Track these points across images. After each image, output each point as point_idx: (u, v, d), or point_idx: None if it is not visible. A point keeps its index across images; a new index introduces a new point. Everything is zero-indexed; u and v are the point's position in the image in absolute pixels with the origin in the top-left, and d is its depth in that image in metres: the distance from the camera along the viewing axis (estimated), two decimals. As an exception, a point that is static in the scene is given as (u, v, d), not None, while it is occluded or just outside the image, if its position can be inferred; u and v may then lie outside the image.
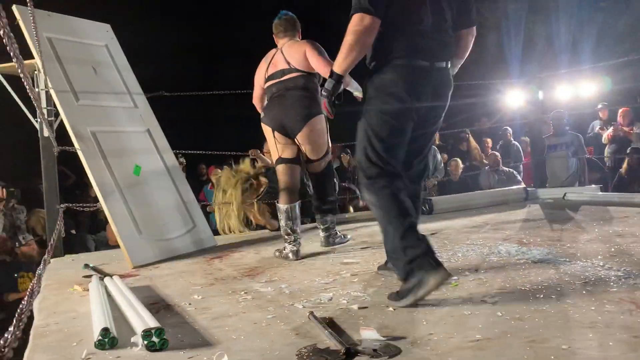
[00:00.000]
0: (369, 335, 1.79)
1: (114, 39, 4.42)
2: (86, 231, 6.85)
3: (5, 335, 0.95)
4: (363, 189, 2.45)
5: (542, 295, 2.15)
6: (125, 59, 4.42)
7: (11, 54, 1.99)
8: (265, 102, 3.71)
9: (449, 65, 2.47)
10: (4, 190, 5.06)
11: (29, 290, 1.69)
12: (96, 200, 5.13)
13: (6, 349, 0.88)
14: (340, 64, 2.33)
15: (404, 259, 2.19)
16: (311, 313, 2.07)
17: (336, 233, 3.80)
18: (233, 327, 2.05)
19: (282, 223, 3.51)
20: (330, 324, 1.96)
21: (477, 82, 9.23)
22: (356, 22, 2.25)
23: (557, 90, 7.71)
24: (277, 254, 3.50)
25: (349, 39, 2.27)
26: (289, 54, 3.56)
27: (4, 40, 1.85)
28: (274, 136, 3.60)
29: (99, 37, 4.34)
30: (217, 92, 5.57)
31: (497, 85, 8.92)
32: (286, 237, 3.46)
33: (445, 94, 2.49)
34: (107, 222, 5.42)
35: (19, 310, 1.26)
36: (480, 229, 3.97)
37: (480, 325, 1.86)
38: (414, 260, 2.15)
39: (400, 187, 2.34)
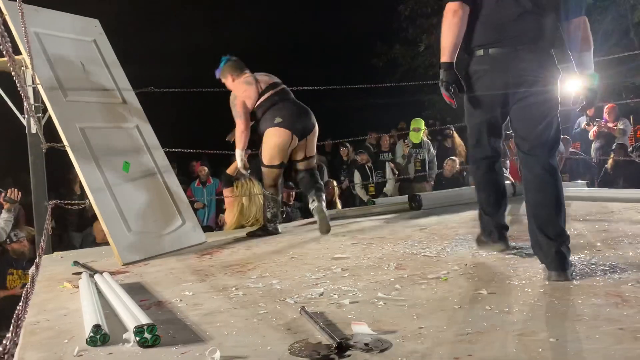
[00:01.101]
0: (360, 329, 1.81)
1: (102, 35, 4.38)
2: (73, 229, 6.80)
3: (4, 341, 0.95)
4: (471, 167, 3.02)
5: (530, 289, 2.19)
6: (113, 55, 4.38)
7: (4, 52, 1.97)
8: (264, 112, 4.07)
9: (544, 50, 2.51)
10: (16, 191, 5.05)
11: (23, 293, 1.69)
12: (81, 197, 5.14)
13: (6, 356, 0.88)
14: (444, 51, 2.57)
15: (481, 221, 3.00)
16: (303, 308, 2.08)
17: None
18: (225, 323, 2.06)
19: (275, 209, 4.19)
20: (322, 319, 1.97)
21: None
22: (446, 10, 2.55)
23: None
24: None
25: (442, 27, 2.56)
26: (267, 76, 4.21)
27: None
28: (291, 139, 4.00)
29: (87, 32, 4.30)
30: (206, 89, 5.54)
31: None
32: (275, 219, 4.22)
33: (535, 75, 2.49)
34: (93, 219, 5.42)
35: (15, 316, 1.26)
36: (469, 224, 4.00)
37: (470, 319, 1.89)
38: (484, 229, 2.99)
39: (491, 167, 2.82)
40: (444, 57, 2.58)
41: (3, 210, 5.01)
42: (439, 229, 3.93)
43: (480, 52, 2.57)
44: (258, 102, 4.06)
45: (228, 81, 4.21)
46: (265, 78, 4.18)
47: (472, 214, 4.51)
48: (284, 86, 4.22)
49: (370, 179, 7.65)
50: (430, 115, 11.71)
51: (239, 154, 4.15)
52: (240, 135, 4.09)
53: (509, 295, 2.14)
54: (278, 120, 3.99)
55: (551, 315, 1.87)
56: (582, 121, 8.26)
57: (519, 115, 2.56)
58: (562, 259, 2.30)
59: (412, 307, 2.09)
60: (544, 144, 2.47)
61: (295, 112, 4.06)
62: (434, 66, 12.82)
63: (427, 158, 7.83)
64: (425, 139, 7.98)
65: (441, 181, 7.59)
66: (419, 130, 7.84)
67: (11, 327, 1.08)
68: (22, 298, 1.58)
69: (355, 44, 13.54)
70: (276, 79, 4.21)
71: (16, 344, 0.97)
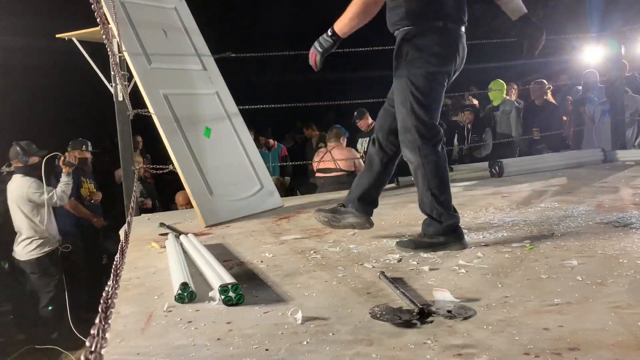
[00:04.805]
0: (442, 296, 1.77)
1: (182, 2, 4.47)
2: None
3: (106, 288, 1.01)
4: (410, 149, 2.49)
5: (625, 260, 2.05)
6: (193, 21, 4.46)
7: (98, 19, 2.04)
8: None
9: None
10: (74, 154, 5.32)
11: (119, 248, 1.79)
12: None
13: (109, 302, 0.93)
14: (342, 27, 2.45)
15: (439, 221, 2.46)
16: (382, 273, 2.07)
17: None
18: (305, 285, 2.09)
19: None
20: (401, 285, 1.95)
21: (550, 37, 8.74)
22: None
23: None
24: None
25: (356, 6, 2.39)
26: None
27: (92, 7, 1.89)
28: None
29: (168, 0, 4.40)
30: (281, 53, 5.52)
31: (572, 40, 8.39)
32: None
33: (465, 57, 2.63)
34: (174, 191, 5.69)
35: (114, 266, 1.33)
36: (554, 192, 3.81)
37: (559, 289, 1.80)
38: (448, 226, 2.45)
39: (443, 148, 2.53)
40: (342, 32, 2.46)
41: (62, 174, 5.16)
42: (522, 196, 3.77)
43: (440, 24, 2.48)
44: None
45: None
46: None
47: (557, 181, 4.30)
48: None
49: (466, 141, 7.31)
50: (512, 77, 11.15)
51: None
52: None
53: (602, 266, 2.01)
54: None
55: (650, 289, 1.75)
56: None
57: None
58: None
59: (496, 275, 2.02)
60: None
61: None
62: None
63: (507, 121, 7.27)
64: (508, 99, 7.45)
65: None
66: (492, 91, 7.37)
67: (111, 277, 1.14)
68: (118, 252, 1.67)
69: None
70: None
71: (116, 295, 1.02)
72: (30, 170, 5.14)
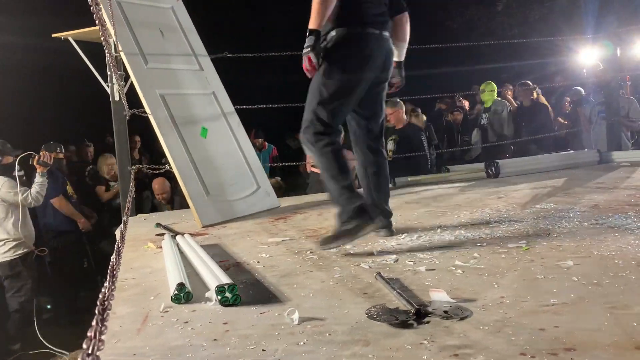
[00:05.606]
0: (438, 296, 1.77)
1: (179, 1, 4.47)
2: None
3: (103, 290, 1.00)
4: (306, 143, 2.64)
5: (621, 261, 2.06)
6: (190, 21, 4.46)
7: (96, 20, 2.03)
8: None
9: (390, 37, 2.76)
10: (48, 154, 5.12)
11: (115, 248, 1.78)
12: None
13: (106, 303, 0.93)
14: (315, 23, 2.53)
15: (347, 207, 2.52)
16: (378, 273, 2.07)
17: None
18: (301, 285, 2.09)
19: None
20: (398, 285, 1.95)
21: (545, 39, 8.75)
22: None
23: (638, 47, 7.19)
24: None
25: (317, 2, 2.48)
26: None
27: (91, 7, 1.88)
28: None
29: None
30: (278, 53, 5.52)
31: (568, 42, 8.42)
32: None
33: (391, 62, 2.79)
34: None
35: (110, 266, 1.33)
36: (550, 193, 3.82)
37: (555, 289, 1.80)
38: (352, 210, 2.50)
39: (340, 145, 2.65)
40: (317, 25, 2.53)
41: (37, 174, 4.94)
42: (519, 197, 3.78)
43: (359, 29, 2.61)
44: None
45: None
46: None
47: (553, 182, 4.32)
48: None
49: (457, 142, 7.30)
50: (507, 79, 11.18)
51: None
52: None
53: (597, 266, 2.02)
54: None
55: (646, 289, 1.75)
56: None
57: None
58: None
59: (492, 275, 2.02)
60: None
61: None
62: (512, 27, 12.21)
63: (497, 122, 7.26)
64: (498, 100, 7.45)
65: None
66: (484, 92, 7.37)
67: (107, 278, 1.13)
68: (114, 252, 1.67)
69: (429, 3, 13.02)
70: None
71: (113, 296, 1.01)
72: (4, 170, 4.93)
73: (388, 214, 2.91)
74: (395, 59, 2.86)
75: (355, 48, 2.61)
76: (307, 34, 2.56)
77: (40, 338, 4.74)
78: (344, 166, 2.58)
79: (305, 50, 2.56)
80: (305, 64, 2.58)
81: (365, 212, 2.51)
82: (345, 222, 2.51)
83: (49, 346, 4.74)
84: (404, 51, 2.95)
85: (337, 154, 2.58)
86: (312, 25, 2.54)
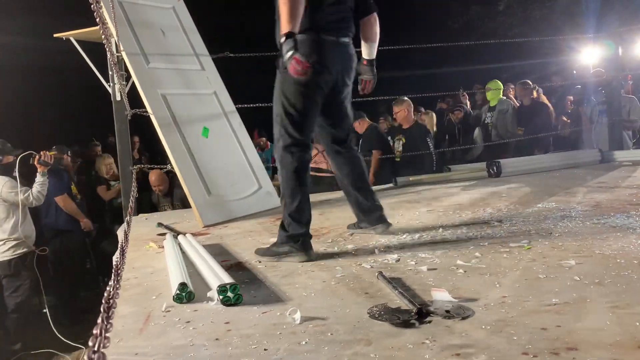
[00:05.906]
0: (440, 296, 1.77)
1: (180, 1, 4.47)
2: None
3: (108, 288, 1.01)
4: (277, 157, 2.65)
5: (623, 260, 2.06)
6: (191, 21, 4.46)
7: (97, 19, 2.04)
8: None
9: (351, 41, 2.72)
10: (49, 153, 5.11)
11: (119, 248, 1.79)
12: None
13: (111, 301, 0.93)
14: (287, 25, 2.41)
15: (286, 230, 2.54)
16: (380, 273, 2.07)
17: None
18: (303, 285, 2.09)
19: None
20: (399, 285, 1.95)
21: (547, 38, 8.74)
22: None
23: (639, 46, 7.19)
24: None
25: (285, 6, 2.39)
26: None
27: (92, 7, 1.89)
28: None
29: None
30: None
31: (569, 41, 8.41)
32: None
33: (352, 67, 2.75)
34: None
35: (114, 266, 1.33)
36: (552, 192, 3.82)
37: (556, 289, 1.80)
38: (293, 236, 2.51)
39: (307, 160, 2.62)
40: (293, 27, 2.40)
41: (37, 174, 4.91)
42: (520, 196, 3.77)
43: (315, 36, 2.56)
44: None
45: None
46: None
47: (555, 182, 4.31)
48: None
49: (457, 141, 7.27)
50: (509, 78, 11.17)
51: None
52: None
53: (599, 265, 2.02)
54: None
55: (648, 288, 1.75)
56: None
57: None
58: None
59: (494, 275, 2.02)
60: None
61: None
62: (513, 27, 12.19)
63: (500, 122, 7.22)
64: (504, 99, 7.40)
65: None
66: (490, 91, 7.31)
67: (112, 277, 1.14)
68: (118, 251, 1.67)
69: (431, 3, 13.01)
70: None
71: (117, 294, 1.02)
72: (4, 170, 4.91)
73: (378, 208, 2.90)
74: (365, 57, 2.86)
75: (309, 55, 2.46)
76: (283, 39, 2.39)
77: (56, 332, 4.68)
78: (297, 193, 2.55)
79: (288, 55, 2.38)
80: (294, 68, 2.38)
81: (299, 242, 2.49)
82: (279, 243, 2.55)
83: (65, 340, 4.67)
84: (374, 50, 2.90)
85: (297, 175, 2.55)
86: (285, 29, 2.40)
